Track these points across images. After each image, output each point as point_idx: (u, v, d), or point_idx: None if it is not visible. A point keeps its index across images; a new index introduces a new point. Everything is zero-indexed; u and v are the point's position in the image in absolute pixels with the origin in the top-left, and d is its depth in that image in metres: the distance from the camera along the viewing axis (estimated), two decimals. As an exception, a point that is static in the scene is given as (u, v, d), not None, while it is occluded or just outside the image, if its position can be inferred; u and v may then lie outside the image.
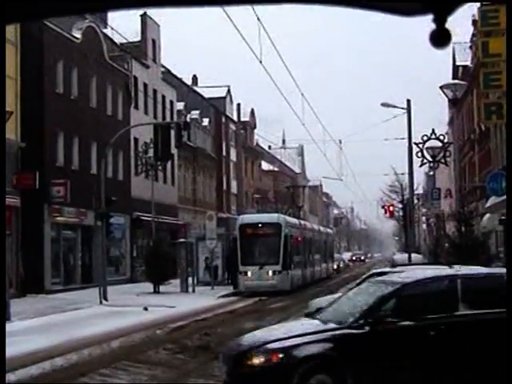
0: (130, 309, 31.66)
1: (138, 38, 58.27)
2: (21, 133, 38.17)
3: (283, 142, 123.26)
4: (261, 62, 32.74)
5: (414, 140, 35.73)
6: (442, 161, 34.22)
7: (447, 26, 2.48)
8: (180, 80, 75.68)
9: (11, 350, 16.43)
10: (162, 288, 42.86)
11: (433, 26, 2.47)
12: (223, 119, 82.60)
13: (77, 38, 45.51)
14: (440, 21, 2.45)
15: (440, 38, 2.47)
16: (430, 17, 2.47)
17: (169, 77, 68.82)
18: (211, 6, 2.70)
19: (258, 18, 24.23)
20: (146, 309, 31.48)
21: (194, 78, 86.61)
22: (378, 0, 2.55)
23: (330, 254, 68.80)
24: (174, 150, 46.91)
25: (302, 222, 57.78)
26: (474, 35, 50.78)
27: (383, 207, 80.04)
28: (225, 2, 2.81)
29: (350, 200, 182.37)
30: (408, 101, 37.89)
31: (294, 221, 52.39)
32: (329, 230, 79.43)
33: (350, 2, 2.57)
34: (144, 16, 58.04)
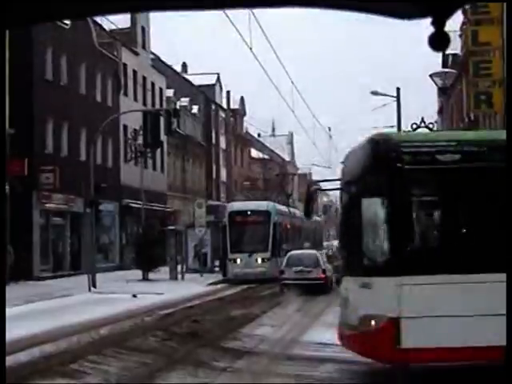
0: (118, 296, 31.70)
1: (128, 25, 58.06)
2: (9, 119, 38.03)
3: (273, 129, 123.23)
4: (251, 49, 32.73)
5: (403, 128, 35.75)
6: (432, 150, 34.20)
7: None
8: (170, 67, 75.50)
9: (1, 337, 16.44)
10: (151, 275, 42.91)
11: (431, 30, 2.51)
12: (213, 107, 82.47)
13: (66, 24, 45.28)
14: (439, 24, 2.48)
15: (439, 41, 2.50)
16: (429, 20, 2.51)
17: (158, 64, 68.67)
18: (207, 10, 2.73)
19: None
20: (135, 296, 31.53)
21: (184, 66, 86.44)
22: (378, 4, 2.58)
23: (319, 242, 68.94)
24: (163, 137, 46.92)
25: (292, 209, 57.82)
26: (463, 24, 50.74)
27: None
28: (221, 6, 2.84)
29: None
30: (398, 89, 37.94)
31: (284, 208, 52.45)
32: (317, 218, 79.52)
33: (352, 7, 2.60)
34: (134, 2, 57.81)
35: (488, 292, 11.70)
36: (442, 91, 34.01)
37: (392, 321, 11.73)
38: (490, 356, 11.51)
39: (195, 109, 76.52)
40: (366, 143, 12.91)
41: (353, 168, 13.65)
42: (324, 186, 18.50)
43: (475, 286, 11.72)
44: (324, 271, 33.77)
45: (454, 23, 52.75)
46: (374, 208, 12.52)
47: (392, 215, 12.09)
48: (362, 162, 12.88)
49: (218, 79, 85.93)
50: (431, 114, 73.93)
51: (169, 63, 76.03)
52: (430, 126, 34.64)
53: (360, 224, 12.96)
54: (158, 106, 59.99)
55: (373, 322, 12.01)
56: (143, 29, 60.87)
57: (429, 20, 2.48)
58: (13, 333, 19.13)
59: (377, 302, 12.13)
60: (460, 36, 56.60)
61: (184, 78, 79.83)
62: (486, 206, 12.52)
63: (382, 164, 12.29)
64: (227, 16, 24.52)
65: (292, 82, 48.87)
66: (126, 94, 56.43)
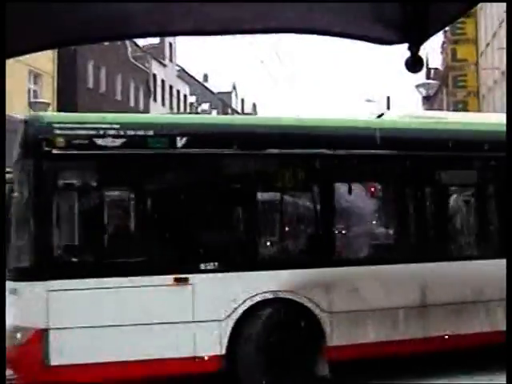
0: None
1: (158, 41, 58.18)
2: (57, 121, 38.26)
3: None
4: (262, 61, 32.67)
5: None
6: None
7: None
8: (192, 77, 75.55)
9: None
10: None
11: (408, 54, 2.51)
12: (229, 111, 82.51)
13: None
14: (414, 49, 2.48)
15: (414, 64, 2.50)
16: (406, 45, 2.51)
17: (183, 74, 68.73)
18: (210, 36, 2.74)
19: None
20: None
21: (205, 76, 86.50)
22: (360, 30, 2.59)
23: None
24: (187, 138, 46.90)
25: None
26: (444, 42, 50.77)
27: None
28: (225, 33, 2.85)
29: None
30: (388, 98, 37.81)
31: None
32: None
33: (335, 33, 2.61)
34: (162, 22, 57.93)
35: (155, 298, 8.61)
36: (426, 99, 33.94)
37: (39, 333, 8.34)
38: (165, 370, 8.57)
39: (214, 113, 76.52)
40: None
41: (14, 153, 9.41)
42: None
43: (141, 291, 8.54)
44: None
45: (439, 38, 52.70)
46: (23, 199, 8.87)
47: (37, 209, 8.54)
48: (17, 146, 9.19)
49: (234, 88, 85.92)
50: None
51: (192, 73, 76.09)
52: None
53: (11, 219, 9.20)
54: (182, 111, 60.03)
55: (19, 335, 8.49)
56: (170, 44, 60.89)
57: (405, 45, 2.49)
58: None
59: (24, 311, 8.65)
60: (441, 53, 56.59)
61: (205, 86, 79.87)
62: (154, 199, 9.20)
63: (29, 148, 8.72)
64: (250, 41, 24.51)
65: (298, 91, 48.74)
66: (155, 100, 56.48)
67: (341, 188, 10.14)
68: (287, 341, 9.00)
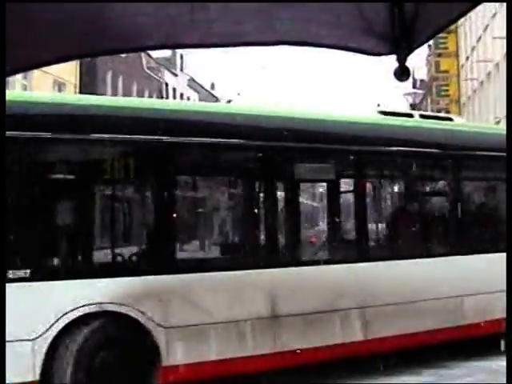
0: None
1: (170, 53, 58.26)
2: (78, 125, 38.29)
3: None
4: (263, 68, 32.59)
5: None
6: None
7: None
8: (201, 86, 75.59)
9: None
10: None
11: (396, 64, 2.51)
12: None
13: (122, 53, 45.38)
14: (402, 60, 2.48)
15: (402, 73, 2.50)
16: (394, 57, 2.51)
17: (192, 83, 68.77)
18: (213, 48, 2.73)
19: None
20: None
21: (212, 85, 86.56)
22: (352, 42, 2.59)
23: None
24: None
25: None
26: (428, 55, 50.87)
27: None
28: (220, 45, 2.84)
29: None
30: (378, 105, 37.86)
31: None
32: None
33: (332, 46, 2.60)
34: (174, 36, 58.10)
35: None
36: (412, 107, 34.03)
37: None
38: None
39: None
40: None
41: None
42: None
43: None
44: None
45: (424, 52, 52.72)
46: None
47: None
48: None
49: (238, 95, 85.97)
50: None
51: (200, 82, 76.14)
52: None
53: None
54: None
55: None
56: (181, 56, 60.97)
57: (394, 57, 2.49)
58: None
59: None
60: (426, 65, 56.66)
61: (212, 94, 79.88)
62: None
63: None
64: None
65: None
66: (167, 107, 56.57)
67: (184, 182, 7.95)
68: (115, 362, 6.81)
